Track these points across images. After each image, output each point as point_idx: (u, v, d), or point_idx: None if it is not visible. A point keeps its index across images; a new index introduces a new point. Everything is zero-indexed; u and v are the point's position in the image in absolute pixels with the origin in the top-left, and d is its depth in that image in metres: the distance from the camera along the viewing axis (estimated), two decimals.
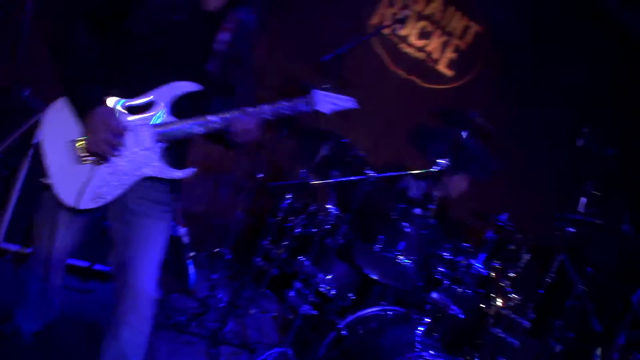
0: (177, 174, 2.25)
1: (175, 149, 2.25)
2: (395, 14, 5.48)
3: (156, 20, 2.08)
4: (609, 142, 5.20)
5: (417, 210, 3.54)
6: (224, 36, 2.22)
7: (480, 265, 3.50)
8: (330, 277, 3.81)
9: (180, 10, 2.12)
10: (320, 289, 3.80)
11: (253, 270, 4.04)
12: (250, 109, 2.21)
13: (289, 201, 4.12)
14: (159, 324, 3.58)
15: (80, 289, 3.52)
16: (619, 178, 5.39)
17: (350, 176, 3.40)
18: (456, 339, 4.50)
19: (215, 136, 2.28)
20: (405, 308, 3.73)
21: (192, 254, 4.29)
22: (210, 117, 2.20)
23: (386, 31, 5.39)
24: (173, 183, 2.29)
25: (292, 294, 3.66)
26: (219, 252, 4.73)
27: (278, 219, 4.17)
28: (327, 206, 3.62)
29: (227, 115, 2.19)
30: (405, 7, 5.41)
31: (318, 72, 3.91)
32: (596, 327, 4.36)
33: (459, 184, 4.66)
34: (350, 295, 3.90)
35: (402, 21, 3.95)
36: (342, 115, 4.50)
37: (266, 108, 2.22)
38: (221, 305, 4.04)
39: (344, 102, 2.41)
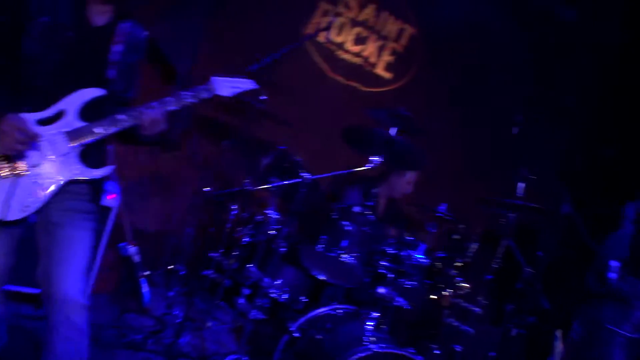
0: (97, 173, 2.36)
1: (91, 151, 2.34)
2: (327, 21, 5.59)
3: (48, 40, 2.21)
4: (545, 129, 5.42)
5: (357, 209, 3.63)
6: (116, 47, 2.36)
7: (420, 257, 3.58)
8: (279, 282, 3.87)
9: (70, 28, 2.26)
10: (272, 295, 3.86)
11: (207, 283, 4.09)
12: (154, 103, 2.35)
13: (236, 212, 4.19)
14: (115, 344, 3.60)
15: (33, 316, 3.51)
16: (556, 161, 5.61)
17: (288, 181, 3.47)
18: (411, 332, 4.60)
19: (126, 134, 2.38)
20: (355, 305, 3.82)
21: (146, 272, 4.32)
22: (118, 116, 2.32)
23: (321, 39, 5.49)
24: (94, 190, 2.39)
25: (241, 301, 3.71)
26: (173, 269, 4.76)
27: (227, 230, 4.23)
28: (267, 212, 3.68)
29: (133, 112, 2.32)
30: (334, 14, 5.51)
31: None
32: (545, 306, 4.48)
33: (403, 186, 4.78)
34: (302, 298, 3.97)
35: (327, 28, 4.06)
36: (286, 124, 4.62)
37: (169, 99, 2.35)
38: (178, 321, 4.07)
39: (244, 84, 2.57)
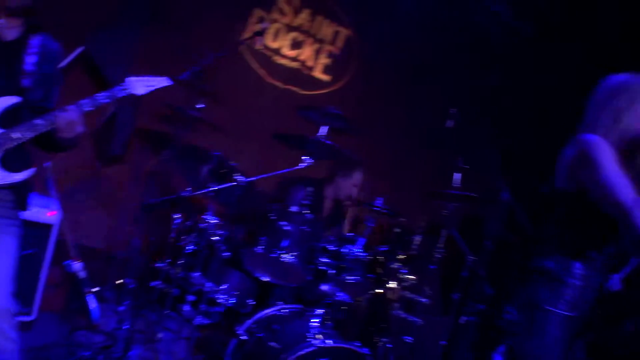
0: (18, 177, 2.40)
1: (11, 156, 2.37)
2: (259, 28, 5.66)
3: None
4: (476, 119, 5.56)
5: (294, 208, 3.68)
6: (30, 58, 2.41)
7: (358, 250, 3.65)
8: (225, 287, 3.90)
9: None
10: (219, 300, 3.89)
11: (155, 294, 4.09)
12: (69, 106, 2.39)
13: (179, 220, 4.21)
14: None
15: None
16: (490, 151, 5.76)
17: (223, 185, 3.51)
18: (361, 327, 4.67)
19: (45, 139, 2.43)
20: (302, 304, 3.87)
21: (95, 288, 4.30)
22: (35, 121, 2.36)
23: (258, 46, 5.56)
24: (18, 196, 2.42)
25: (186, 308, 3.73)
26: (122, 282, 4.74)
27: (171, 239, 4.25)
28: (206, 217, 3.71)
29: (49, 116, 2.37)
30: (269, 20, 5.58)
31: (185, 89, 4.03)
32: (488, 291, 4.59)
33: (349, 188, 4.86)
34: (249, 301, 4.01)
35: (260, 34, 4.11)
36: (227, 132, 4.66)
37: (85, 101, 2.41)
38: (129, 335, 4.06)
39: (158, 81, 2.62)
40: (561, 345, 2.32)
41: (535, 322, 2.32)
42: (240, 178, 3.40)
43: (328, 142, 3.56)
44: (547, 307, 2.31)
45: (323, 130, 3.59)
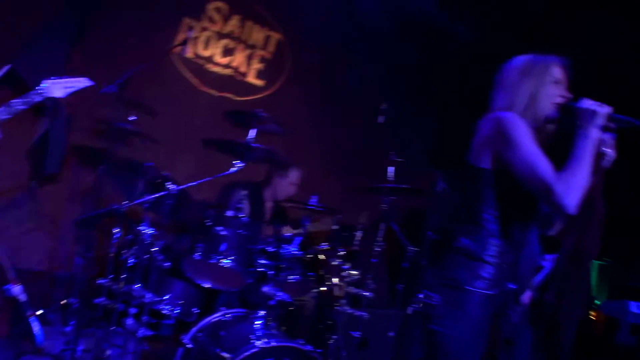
0: None
1: None
2: (196, 37, 5.67)
3: None
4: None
5: (229, 213, 3.71)
6: None
7: (294, 249, 3.70)
8: (168, 297, 3.90)
9: None
10: (164, 311, 3.89)
11: (100, 311, 4.07)
12: None
13: (118, 234, 4.18)
14: None
15: None
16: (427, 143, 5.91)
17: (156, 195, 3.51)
18: (309, 325, 4.71)
19: None
20: (244, 308, 3.90)
21: (38, 311, 4.24)
22: None
23: (187, 54, 5.56)
24: None
25: (129, 321, 3.71)
26: (66, 303, 4.69)
27: (112, 254, 4.22)
28: (142, 228, 3.70)
29: None
30: (192, 29, 5.59)
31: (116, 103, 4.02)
32: (430, 280, 4.67)
33: (287, 187, 4.91)
34: (194, 309, 4.01)
35: (185, 42, 4.12)
36: (163, 142, 4.65)
37: (0, 109, 2.36)
38: (77, 354, 4.02)
39: (78, 83, 2.59)
40: (482, 323, 2.37)
41: (455, 303, 2.34)
42: (172, 186, 3.40)
43: (257, 145, 3.59)
44: (467, 287, 2.33)
45: (252, 133, 3.62)
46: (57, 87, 2.52)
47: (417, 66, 6.79)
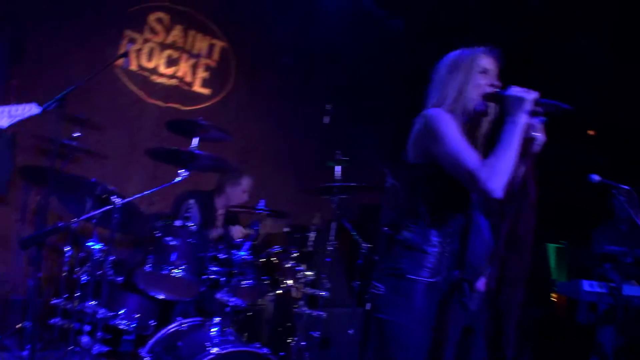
0: None
1: None
2: (139, 49, 5.65)
3: None
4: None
5: (178, 222, 3.72)
6: None
7: (245, 254, 3.72)
8: (124, 311, 3.89)
9: None
10: (120, 326, 3.88)
11: (57, 332, 4.03)
12: None
13: (70, 253, 4.15)
14: None
15: None
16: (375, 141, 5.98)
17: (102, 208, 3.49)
18: (269, 329, 4.74)
19: None
20: (201, 316, 3.91)
21: None
22: None
23: (129, 67, 5.54)
24: None
25: (84, 338, 3.68)
26: (21, 327, 4.62)
27: (65, 273, 4.19)
28: (92, 245, 3.69)
29: None
30: (134, 41, 5.56)
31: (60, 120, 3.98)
32: None
33: (239, 195, 4.93)
34: (151, 322, 4.00)
35: (125, 55, 4.10)
36: (111, 156, 4.63)
37: None
38: None
39: (24, 110, 2.50)
40: (427, 311, 2.42)
41: (400, 293, 2.39)
42: (117, 200, 3.40)
43: (201, 153, 3.60)
44: (411, 277, 2.39)
45: (195, 142, 3.64)
46: (1, 117, 2.42)
47: (362, 65, 6.89)
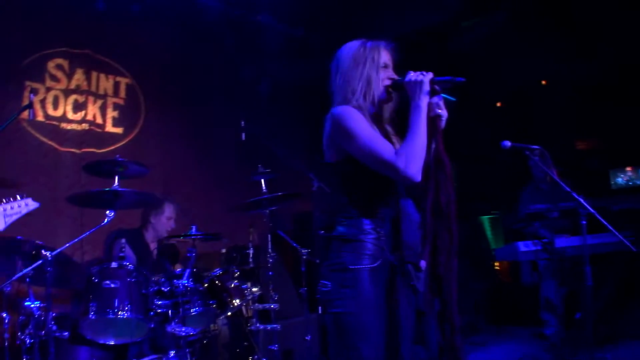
0: None
1: None
2: (43, 99, 5.52)
3: None
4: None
5: (114, 264, 3.68)
6: None
7: (185, 282, 3.71)
8: None
9: None
10: None
11: None
12: None
13: (8, 318, 4.03)
14: None
15: None
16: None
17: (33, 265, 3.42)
18: (228, 352, 4.73)
19: None
20: (156, 353, 3.87)
21: None
22: None
23: (39, 119, 5.42)
24: None
25: None
26: None
27: (7, 340, 4.06)
28: (27, 304, 3.60)
29: None
30: (37, 91, 5.43)
31: None
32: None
33: (165, 223, 4.90)
34: None
35: (30, 106, 4.02)
36: (34, 214, 4.51)
37: None
38: None
39: (22, 207, 2.45)
40: (374, 296, 2.49)
41: (346, 284, 2.46)
42: (48, 253, 3.33)
43: (124, 190, 3.58)
44: (353, 267, 2.47)
45: (116, 181, 3.61)
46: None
47: (268, 77, 7.00)
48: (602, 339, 5.24)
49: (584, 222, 4.05)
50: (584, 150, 8.64)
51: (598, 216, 3.88)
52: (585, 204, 3.93)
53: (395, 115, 2.70)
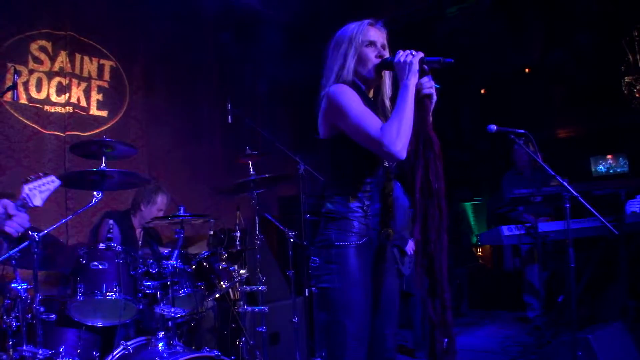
0: None
1: None
2: (26, 81, 5.45)
3: None
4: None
5: (102, 245, 3.66)
6: None
7: (176, 263, 3.71)
8: (63, 348, 3.79)
9: None
10: None
11: None
12: None
13: None
14: None
15: None
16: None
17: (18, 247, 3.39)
18: (216, 334, 4.74)
19: None
20: (144, 335, 3.86)
21: None
22: None
23: (23, 101, 5.36)
24: None
25: None
26: None
27: None
28: (14, 286, 3.56)
29: None
30: (20, 73, 5.36)
31: None
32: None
33: (155, 214, 4.88)
34: (94, 352, 3.91)
35: (13, 88, 3.96)
36: (18, 196, 4.46)
37: None
38: None
39: (50, 183, 2.55)
40: (361, 272, 2.54)
41: (333, 260, 2.52)
42: (33, 234, 3.30)
43: (111, 171, 3.55)
44: (340, 244, 2.52)
45: (103, 162, 3.58)
46: (35, 194, 2.50)
47: (256, 60, 6.97)
48: (584, 321, 5.32)
49: (568, 205, 4.10)
50: (565, 138, 8.75)
51: (582, 200, 3.93)
52: (569, 188, 3.99)
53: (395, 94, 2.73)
